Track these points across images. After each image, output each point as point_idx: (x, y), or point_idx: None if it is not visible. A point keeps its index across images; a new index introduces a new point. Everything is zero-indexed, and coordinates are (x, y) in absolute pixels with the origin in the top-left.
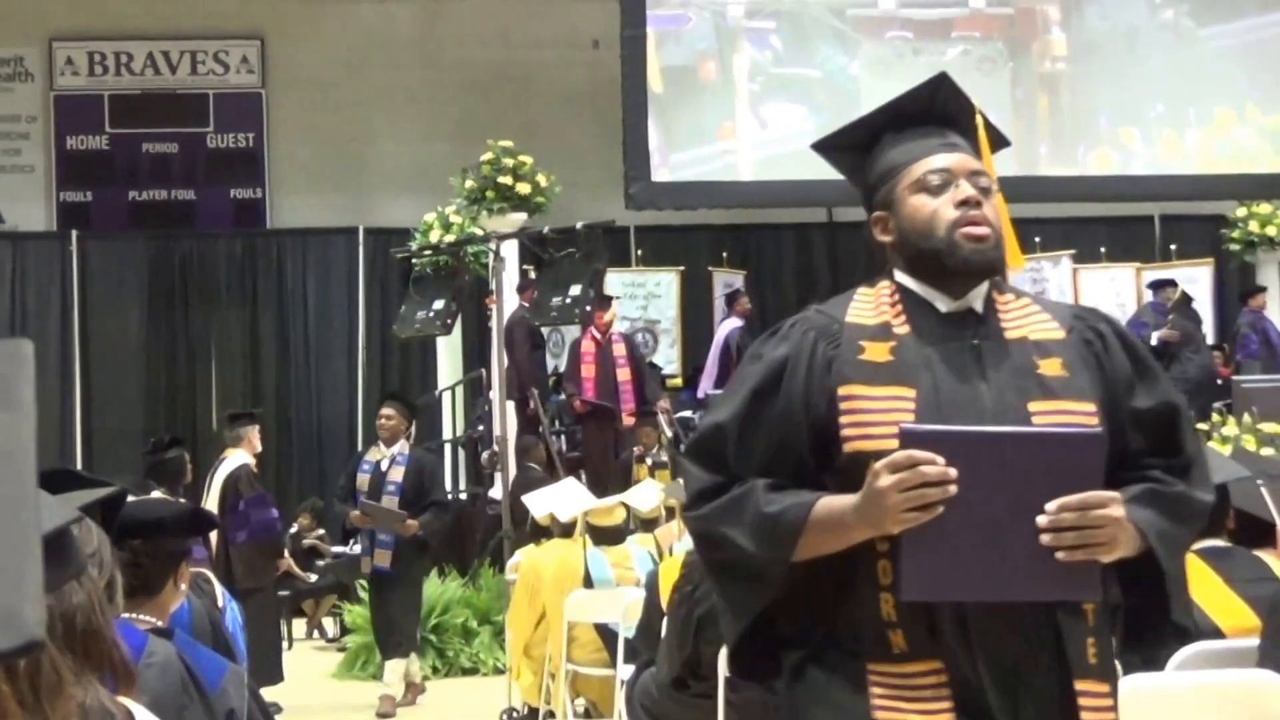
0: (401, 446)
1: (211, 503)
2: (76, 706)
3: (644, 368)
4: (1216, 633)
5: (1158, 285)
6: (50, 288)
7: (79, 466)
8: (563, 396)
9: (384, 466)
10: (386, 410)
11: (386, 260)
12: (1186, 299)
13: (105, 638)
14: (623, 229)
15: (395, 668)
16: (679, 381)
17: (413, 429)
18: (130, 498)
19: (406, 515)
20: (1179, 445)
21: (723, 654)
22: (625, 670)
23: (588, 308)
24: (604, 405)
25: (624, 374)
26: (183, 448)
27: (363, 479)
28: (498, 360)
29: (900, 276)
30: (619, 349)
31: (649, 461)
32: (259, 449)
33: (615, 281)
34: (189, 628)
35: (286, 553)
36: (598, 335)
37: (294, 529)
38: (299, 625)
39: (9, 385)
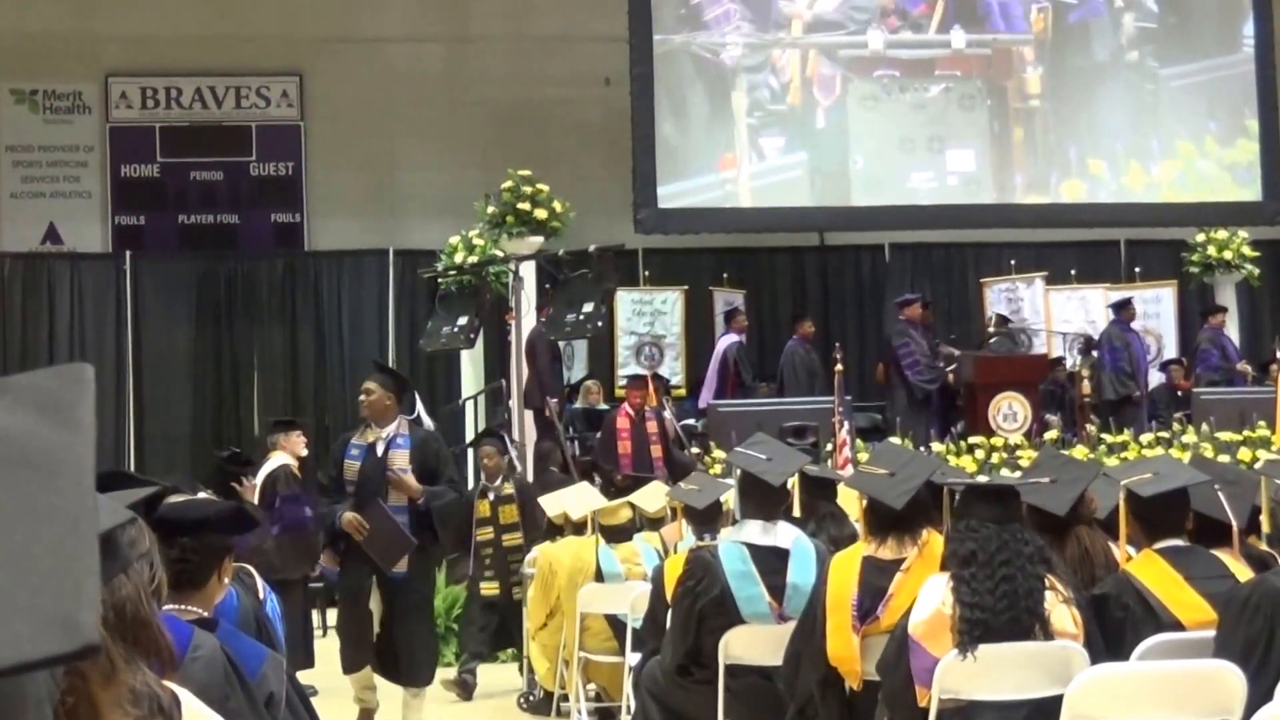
0: (399, 425)
1: (256, 501)
2: (127, 691)
3: (672, 445)
4: (1177, 625)
5: (1119, 305)
6: (106, 304)
7: (131, 468)
8: (569, 425)
9: (380, 450)
10: (367, 384)
11: (415, 280)
12: (1003, 320)
13: (152, 625)
14: (631, 251)
15: (365, 679)
16: (682, 391)
17: (418, 405)
18: (179, 498)
19: (413, 543)
20: None
21: (722, 642)
22: (633, 658)
23: (599, 323)
24: (644, 476)
25: (657, 450)
26: (227, 461)
27: (351, 465)
28: (516, 372)
29: None
30: (652, 425)
31: (491, 496)
32: (303, 454)
33: (625, 299)
34: (235, 619)
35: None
36: (631, 412)
37: None
38: (332, 614)
39: (72, 407)
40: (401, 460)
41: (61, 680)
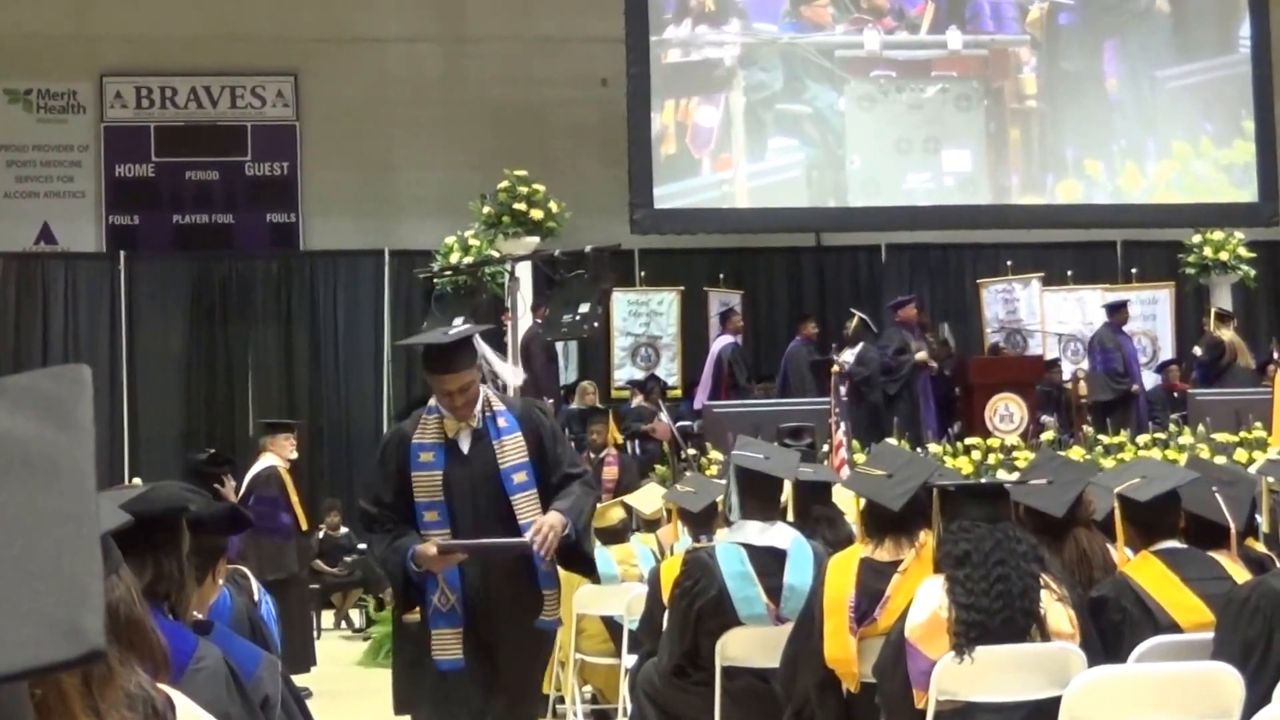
0: (484, 403)
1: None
2: (123, 695)
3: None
4: (1174, 627)
5: (1113, 307)
6: (100, 304)
7: (125, 469)
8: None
9: (466, 444)
10: (456, 378)
11: (410, 280)
12: (865, 326)
13: (145, 626)
14: (627, 252)
15: None
16: (678, 393)
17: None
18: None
19: (526, 543)
20: None
21: (719, 643)
22: (629, 660)
23: (595, 324)
24: None
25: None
26: (206, 462)
27: (428, 479)
28: None
29: None
30: (610, 471)
31: None
32: (292, 456)
33: (621, 300)
34: (229, 620)
35: (292, 561)
36: (591, 455)
37: (321, 531)
38: (327, 616)
39: (71, 409)
40: (516, 451)
41: None
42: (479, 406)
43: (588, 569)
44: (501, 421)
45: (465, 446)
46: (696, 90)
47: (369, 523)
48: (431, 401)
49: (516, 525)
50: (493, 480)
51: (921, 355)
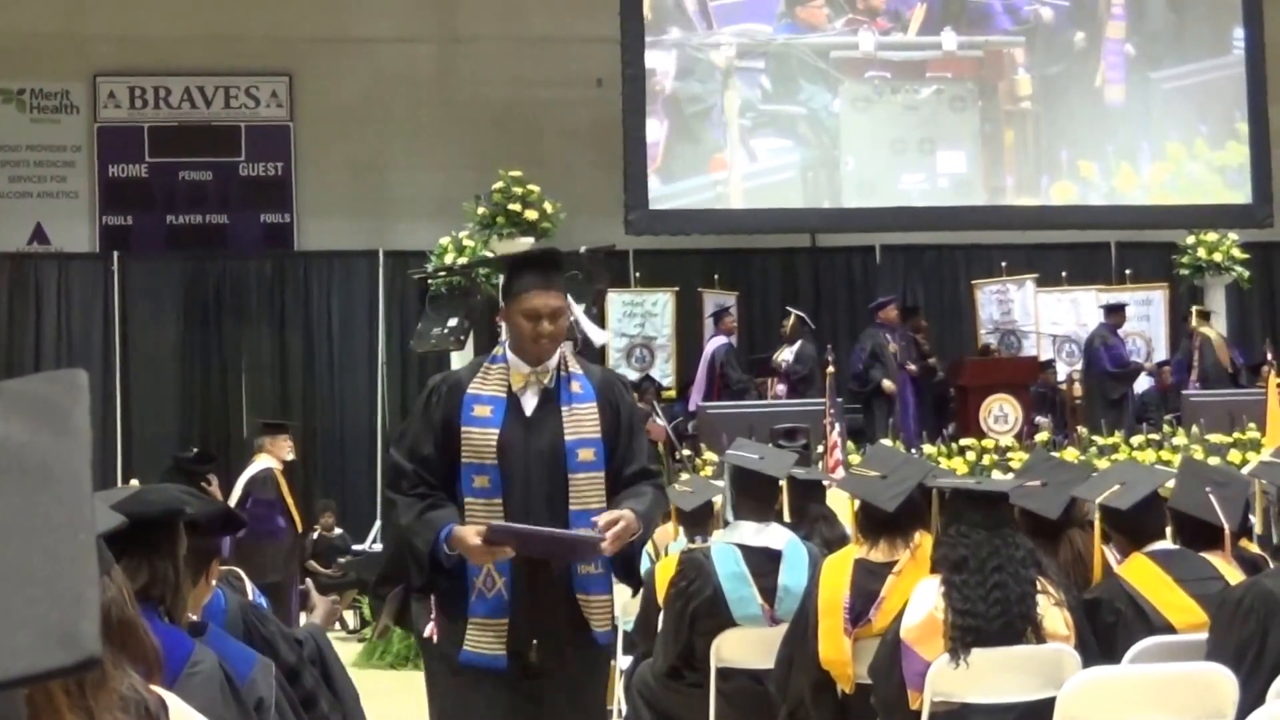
0: (561, 359)
1: (233, 503)
2: (117, 698)
3: None
4: (1168, 628)
5: (1111, 308)
6: (93, 305)
7: (118, 470)
8: None
9: (530, 404)
10: (545, 299)
11: (405, 281)
12: (802, 324)
13: (138, 628)
14: (622, 253)
15: None
16: (673, 394)
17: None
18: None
19: (596, 539)
20: None
21: (714, 644)
22: (625, 661)
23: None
24: None
25: None
26: (191, 460)
27: (482, 436)
28: None
29: None
30: None
31: None
32: (288, 458)
33: (615, 301)
34: (223, 621)
35: (276, 567)
36: None
37: (316, 531)
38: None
39: (67, 413)
40: (581, 423)
41: None
42: (555, 360)
43: (635, 582)
44: (575, 386)
45: (529, 407)
46: (692, 90)
47: (396, 479)
48: (497, 351)
49: (566, 511)
50: (553, 452)
51: (888, 385)
